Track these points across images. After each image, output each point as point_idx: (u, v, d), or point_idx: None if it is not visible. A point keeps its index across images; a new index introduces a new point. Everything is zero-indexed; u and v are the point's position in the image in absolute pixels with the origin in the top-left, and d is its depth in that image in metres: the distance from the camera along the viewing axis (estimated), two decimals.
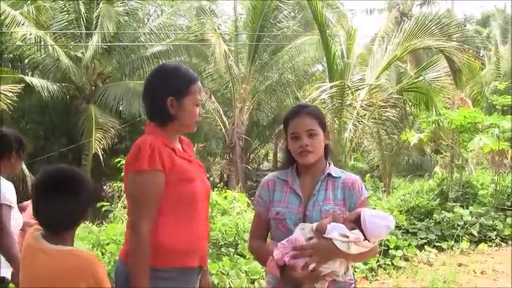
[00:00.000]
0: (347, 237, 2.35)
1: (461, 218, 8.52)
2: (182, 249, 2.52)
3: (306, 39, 19.40)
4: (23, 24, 15.93)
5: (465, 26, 28.51)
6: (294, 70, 20.97)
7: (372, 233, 2.38)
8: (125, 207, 8.02)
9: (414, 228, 8.29)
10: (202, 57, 20.20)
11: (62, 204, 2.17)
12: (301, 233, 2.43)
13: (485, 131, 10.23)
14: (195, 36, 19.49)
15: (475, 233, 8.35)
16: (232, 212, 8.00)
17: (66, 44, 18.14)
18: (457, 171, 11.06)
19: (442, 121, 10.52)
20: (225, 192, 8.99)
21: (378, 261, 6.91)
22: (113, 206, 9.55)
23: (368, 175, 15.89)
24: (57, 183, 2.20)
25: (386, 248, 7.15)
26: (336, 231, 2.36)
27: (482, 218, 8.68)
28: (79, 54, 17.93)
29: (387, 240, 7.17)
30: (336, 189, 2.58)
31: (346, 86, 10.34)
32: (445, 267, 7.07)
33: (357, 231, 2.37)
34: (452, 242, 8.00)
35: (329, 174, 2.61)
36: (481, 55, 24.06)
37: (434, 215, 8.68)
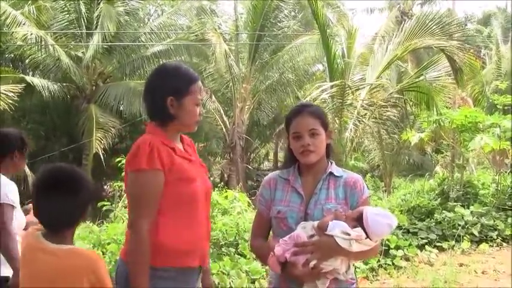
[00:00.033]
0: (349, 234, 2.34)
1: (462, 218, 8.52)
2: (182, 249, 2.52)
3: (307, 39, 19.40)
4: (23, 24, 15.94)
5: (466, 25, 28.49)
6: (294, 70, 20.97)
7: (374, 231, 2.37)
8: (125, 207, 8.02)
9: (415, 228, 8.29)
10: (202, 57, 20.21)
11: (61, 202, 2.17)
12: (303, 231, 2.42)
13: (486, 131, 10.22)
14: (196, 35, 19.50)
15: (476, 233, 8.34)
16: (233, 211, 8.00)
17: (67, 44, 18.15)
18: (458, 170, 11.06)
19: (443, 121, 10.52)
20: (226, 192, 8.99)
21: (379, 261, 6.90)
22: (113, 205, 9.54)
23: (369, 175, 15.91)
24: (57, 182, 2.21)
25: (387, 248, 7.14)
26: (337, 229, 2.35)
27: (483, 217, 8.67)
28: (80, 54, 17.94)
29: (388, 240, 7.17)
30: (338, 188, 2.58)
31: (347, 86, 10.33)
32: (446, 267, 7.07)
33: (359, 229, 2.37)
34: (453, 242, 8.00)
35: (331, 173, 2.61)
36: (482, 54, 24.04)
37: (435, 215, 8.68)
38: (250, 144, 23.11)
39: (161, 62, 16.59)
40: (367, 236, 2.36)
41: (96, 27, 17.31)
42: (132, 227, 2.48)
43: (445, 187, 10.04)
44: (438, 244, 8.04)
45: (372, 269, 6.81)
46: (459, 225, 8.35)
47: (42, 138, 18.63)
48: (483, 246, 8.09)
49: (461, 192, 9.69)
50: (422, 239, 8.02)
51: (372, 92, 11.04)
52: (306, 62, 21.36)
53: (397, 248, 7.34)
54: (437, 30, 10.56)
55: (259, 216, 2.71)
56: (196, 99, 2.62)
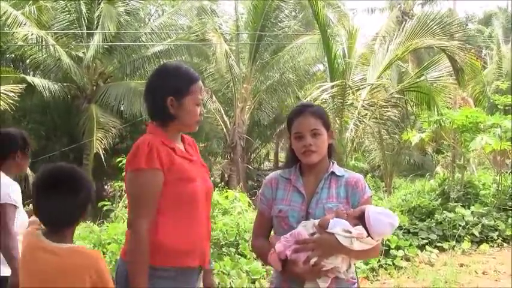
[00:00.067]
0: (350, 232, 2.34)
1: (463, 218, 8.51)
2: (182, 249, 2.52)
3: (307, 39, 19.40)
4: (24, 24, 15.96)
5: (467, 25, 28.46)
6: (295, 70, 20.97)
7: (376, 230, 2.37)
8: (126, 207, 8.03)
9: (415, 228, 8.28)
10: (203, 57, 20.20)
11: (62, 202, 2.19)
12: (304, 229, 2.42)
13: (487, 131, 10.21)
14: (196, 36, 19.50)
15: (476, 233, 8.34)
16: (233, 211, 8.01)
17: (68, 44, 18.17)
18: (459, 171, 11.05)
19: (444, 121, 10.51)
20: (226, 192, 8.99)
21: (379, 261, 6.90)
22: (114, 205, 9.54)
23: (369, 175, 15.89)
24: (57, 181, 2.22)
25: (387, 248, 7.14)
26: (338, 227, 2.35)
27: (483, 218, 8.66)
28: (80, 54, 17.95)
29: (388, 240, 7.16)
30: (339, 187, 2.58)
31: (347, 86, 10.33)
32: (446, 268, 7.06)
33: (360, 227, 2.37)
34: (454, 242, 7.99)
35: (332, 173, 2.61)
36: (483, 54, 24.03)
37: (435, 215, 8.67)
38: (250, 144, 23.10)
39: (162, 62, 16.61)
40: (369, 235, 2.36)
41: (97, 27, 17.33)
42: (131, 226, 2.49)
43: (446, 187, 10.04)
44: (439, 244, 8.03)
45: (372, 269, 6.81)
46: (460, 225, 8.34)
47: (43, 138, 18.65)
48: (484, 246, 8.08)
49: (461, 193, 9.68)
50: (422, 239, 8.02)
51: (373, 92, 11.04)
52: (307, 62, 21.36)
53: (398, 248, 7.34)
54: (438, 30, 10.56)
55: (260, 215, 2.71)
56: (196, 99, 2.62)
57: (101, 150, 16.11)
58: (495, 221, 8.68)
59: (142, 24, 21.19)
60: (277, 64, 20.53)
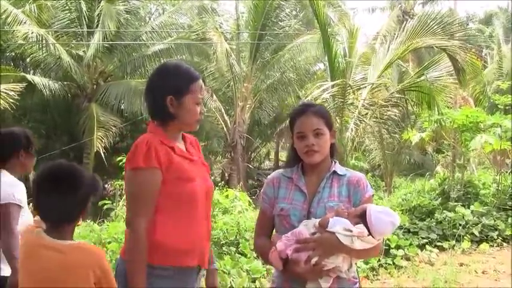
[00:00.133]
0: (351, 231, 2.34)
1: (463, 218, 8.51)
2: (181, 248, 2.52)
3: (308, 38, 19.38)
4: (24, 22, 15.95)
5: (468, 25, 28.43)
6: (295, 69, 20.97)
7: (377, 229, 2.36)
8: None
9: (415, 227, 8.29)
10: (203, 56, 20.20)
11: (61, 198, 2.20)
12: (305, 228, 2.42)
13: (487, 131, 10.22)
14: (197, 34, 19.50)
15: (476, 232, 8.34)
16: (234, 210, 8.01)
17: (68, 43, 18.16)
18: (459, 170, 11.05)
19: (444, 120, 10.51)
20: (227, 191, 9.00)
21: (379, 260, 6.90)
22: (114, 204, 9.55)
23: (369, 174, 15.89)
24: (56, 178, 2.24)
25: (387, 248, 7.14)
26: (339, 225, 2.35)
27: (483, 217, 8.67)
28: (81, 53, 17.94)
29: (388, 239, 7.17)
30: (341, 186, 2.58)
31: (348, 85, 10.32)
32: (446, 267, 7.07)
33: (361, 225, 2.36)
34: (454, 242, 8.00)
35: (334, 172, 2.61)
36: (483, 54, 24.03)
37: (435, 215, 8.67)
38: (251, 144, 23.10)
39: (162, 61, 16.61)
40: (370, 234, 2.36)
41: (97, 25, 17.33)
42: (129, 225, 2.49)
43: (446, 187, 10.04)
44: (439, 244, 8.04)
45: (373, 269, 6.81)
46: (460, 225, 8.35)
47: (43, 137, 18.64)
48: (483, 246, 8.08)
49: (462, 192, 9.68)
50: (422, 238, 8.02)
51: (373, 91, 11.04)
52: (307, 61, 21.37)
53: (398, 247, 7.34)
54: (439, 30, 10.54)
55: (262, 214, 2.72)
56: (196, 98, 2.61)
57: (101, 149, 16.12)
58: (495, 221, 8.69)
59: (142, 23, 21.18)
60: (277, 63, 20.52)
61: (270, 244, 2.57)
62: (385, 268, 6.93)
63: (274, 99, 21.86)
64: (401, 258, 7.21)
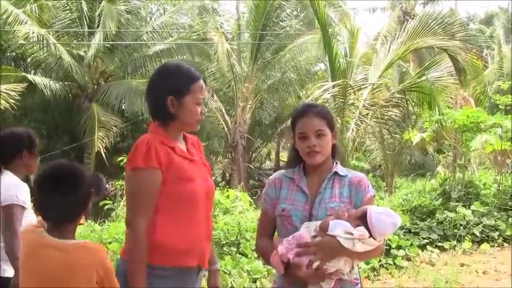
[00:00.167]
0: (351, 234, 2.33)
1: (464, 218, 8.51)
2: (181, 249, 2.52)
3: (309, 38, 19.37)
4: (25, 22, 15.95)
5: (468, 25, 28.41)
6: (296, 69, 20.97)
7: (378, 230, 2.36)
8: None
9: (416, 228, 8.28)
10: (204, 56, 20.19)
11: (62, 197, 2.21)
12: (306, 231, 2.41)
13: (488, 131, 10.22)
14: (198, 35, 19.50)
15: (477, 233, 8.34)
16: (235, 211, 8.02)
17: (69, 43, 18.16)
18: (460, 170, 11.06)
19: (445, 121, 10.51)
20: (227, 191, 9.01)
21: (380, 260, 6.90)
22: (115, 204, 9.56)
23: (370, 175, 15.89)
24: (57, 178, 2.25)
25: (388, 248, 7.14)
26: (339, 229, 2.34)
27: (484, 218, 8.67)
28: (81, 53, 17.95)
29: (389, 240, 7.16)
30: (342, 187, 2.57)
31: (349, 85, 10.33)
32: (447, 267, 7.07)
33: (362, 228, 2.35)
34: (455, 242, 8.00)
35: (335, 173, 2.61)
36: (484, 54, 24.01)
37: (436, 215, 8.67)
38: (252, 144, 23.10)
39: (163, 61, 16.63)
40: (371, 235, 2.35)
41: (98, 26, 17.33)
42: (129, 225, 2.50)
43: (447, 187, 10.04)
44: (439, 244, 8.04)
45: (373, 269, 6.81)
46: (460, 225, 8.34)
47: (44, 137, 18.63)
48: (484, 246, 8.08)
49: (462, 193, 9.68)
50: (423, 239, 8.02)
51: (374, 91, 11.04)
52: (308, 62, 21.36)
53: (399, 247, 7.34)
54: (439, 30, 10.55)
55: (264, 215, 2.71)
56: (197, 98, 2.61)
57: (102, 149, 16.12)
58: (496, 221, 8.69)
59: (143, 23, 21.19)
60: (278, 63, 20.52)
61: (271, 245, 2.57)
62: (386, 268, 6.93)
63: (275, 99, 21.86)
64: (402, 259, 7.20)
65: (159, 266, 2.47)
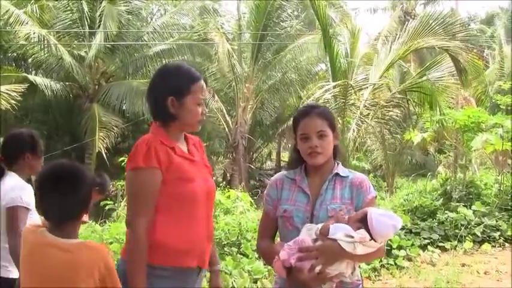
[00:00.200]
0: (352, 237, 2.33)
1: (465, 218, 8.50)
2: (181, 249, 2.52)
3: (309, 38, 19.35)
4: (26, 23, 15.96)
5: (469, 25, 28.41)
6: (297, 69, 20.97)
7: (379, 233, 2.35)
8: None
9: (417, 228, 8.28)
10: (205, 57, 20.19)
11: (62, 196, 2.21)
12: (308, 234, 2.41)
13: (489, 131, 10.22)
14: (199, 35, 19.49)
15: (478, 233, 8.34)
16: (235, 211, 8.03)
17: (70, 43, 18.17)
18: (461, 171, 11.05)
19: (446, 121, 10.51)
20: (228, 191, 9.01)
21: (381, 261, 6.89)
22: (116, 205, 9.57)
23: (371, 175, 15.89)
24: (57, 177, 2.25)
25: (389, 248, 7.13)
26: (340, 232, 2.34)
27: (485, 218, 8.67)
28: (82, 53, 17.95)
29: (390, 240, 7.15)
30: (344, 188, 2.58)
31: (350, 86, 10.32)
32: (448, 268, 7.07)
33: (363, 231, 2.35)
34: (456, 242, 8.00)
35: (337, 174, 2.61)
36: (485, 54, 24.01)
37: (437, 215, 8.66)
38: (252, 144, 23.09)
39: (164, 62, 16.65)
40: (372, 238, 2.34)
41: (99, 26, 17.35)
42: (129, 225, 2.50)
43: (448, 187, 10.03)
44: (440, 244, 8.04)
45: (374, 269, 6.81)
46: (462, 225, 8.34)
47: (45, 138, 18.55)
48: (485, 246, 8.08)
49: (463, 193, 9.67)
50: (424, 239, 8.02)
51: (375, 92, 11.04)
52: (309, 62, 21.34)
53: (400, 248, 7.34)
54: (440, 31, 10.55)
55: (265, 216, 2.71)
56: (197, 98, 2.61)
57: (103, 150, 16.12)
58: (497, 221, 8.68)
59: (144, 24, 21.20)
60: (279, 64, 20.51)
61: (273, 246, 2.58)
62: (387, 269, 6.93)
63: (275, 99, 21.84)
64: (403, 259, 7.20)
65: (159, 266, 2.47)
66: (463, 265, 7.24)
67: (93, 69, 18.19)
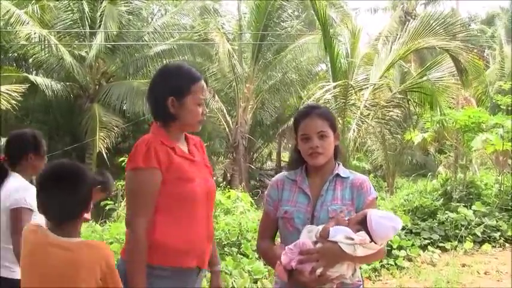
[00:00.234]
0: (352, 239, 2.33)
1: (465, 218, 8.50)
2: (180, 249, 2.52)
3: (310, 39, 19.36)
4: (27, 23, 15.97)
5: (470, 25, 28.41)
6: (297, 69, 20.97)
7: (378, 235, 2.35)
8: None
9: (417, 228, 8.28)
10: (206, 57, 20.21)
11: (62, 195, 2.21)
12: (308, 236, 2.41)
13: (490, 131, 10.21)
14: (199, 35, 19.50)
15: (478, 233, 8.33)
16: (236, 211, 8.03)
17: (70, 43, 18.18)
18: (461, 171, 11.04)
19: (446, 121, 10.51)
20: (229, 191, 9.01)
21: (381, 261, 6.89)
22: (116, 205, 9.57)
23: (371, 175, 15.89)
24: (58, 176, 2.25)
25: (389, 248, 7.13)
26: (340, 234, 2.34)
27: (486, 218, 8.66)
28: (83, 53, 17.97)
29: (390, 240, 7.13)
30: (344, 189, 2.57)
31: (350, 86, 10.32)
32: (448, 268, 7.07)
33: (363, 233, 2.35)
34: (456, 243, 8.00)
35: (337, 175, 2.60)
36: (485, 54, 24.01)
37: (437, 215, 8.66)
38: (253, 144, 23.09)
39: (164, 62, 16.65)
40: (372, 240, 2.35)
41: (100, 26, 17.36)
42: (129, 225, 2.50)
43: (448, 187, 10.03)
44: (441, 244, 8.04)
45: (375, 270, 6.81)
46: (462, 225, 8.34)
47: (46, 138, 18.56)
48: (486, 246, 8.07)
49: (464, 193, 9.67)
50: (425, 239, 8.02)
51: (375, 92, 11.03)
52: (309, 62, 21.35)
53: (400, 248, 7.34)
54: (441, 31, 10.54)
55: (266, 216, 2.71)
56: (198, 98, 2.61)
57: (103, 150, 16.13)
58: (497, 221, 8.68)
59: (145, 24, 21.21)
60: (279, 64, 20.52)
61: (273, 249, 2.58)
62: (387, 269, 6.93)
63: (276, 99, 21.84)
64: (404, 259, 7.20)
65: (159, 266, 2.48)
66: (464, 265, 7.24)
67: (94, 69, 18.20)
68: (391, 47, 11.38)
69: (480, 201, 9.36)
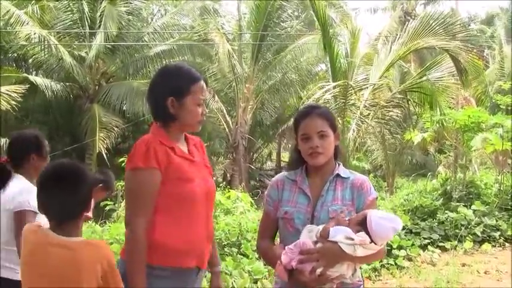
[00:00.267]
0: (352, 239, 2.34)
1: (465, 218, 8.51)
2: (180, 249, 2.52)
3: (310, 39, 19.36)
4: (27, 23, 15.95)
5: (469, 25, 28.42)
6: (297, 70, 20.96)
7: (378, 235, 2.36)
8: None
9: (417, 228, 8.28)
10: (205, 57, 20.20)
11: (62, 195, 2.21)
12: (308, 236, 2.42)
13: (489, 131, 10.22)
14: (199, 35, 19.50)
15: (478, 233, 8.34)
16: (236, 211, 8.03)
17: (70, 44, 18.17)
18: (461, 171, 11.05)
19: (446, 121, 10.51)
20: (228, 191, 9.01)
21: (381, 261, 6.89)
22: (116, 205, 9.57)
23: (371, 175, 15.90)
24: (58, 176, 2.26)
25: (389, 248, 7.13)
26: (340, 234, 2.35)
27: (485, 218, 8.67)
28: (83, 54, 17.95)
29: (390, 240, 7.15)
30: (345, 189, 2.57)
31: (350, 86, 10.33)
32: (448, 267, 7.07)
33: (363, 233, 2.35)
34: (456, 242, 8.00)
35: (338, 175, 2.60)
36: (485, 54, 24.02)
37: (437, 215, 8.67)
38: (253, 144, 23.09)
39: (164, 62, 16.66)
40: (372, 240, 2.35)
41: (99, 27, 17.35)
42: (128, 225, 2.50)
43: (448, 187, 10.03)
44: (441, 244, 8.04)
45: (375, 269, 6.81)
46: (462, 225, 8.34)
47: (46, 138, 18.62)
48: (485, 246, 8.08)
49: (464, 193, 9.68)
50: (424, 239, 8.02)
51: (375, 92, 11.04)
52: (309, 62, 21.35)
53: (400, 248, 7.35)
54: (440, 31, 10.55)
55: (266, 216, 2.72)
56: (197, 99, 2.61)
57: (103, 150, 16.12)
58: (497, 221, 8.69)
59: (145, 24, 21.20)
60: (279, 64, 20.51)
61: (273, 249, 2.58)
62: (387, 269, 6.93)
63: (276, 100, 21.83)
64: (404, 259, 7.21)
65: (159, 266, 2.48)
66: (463, 265, 7.25)
67: (94, 69, 18.20)
68: (390, 47, 11.39)
69: (480, 200, 9.37)
